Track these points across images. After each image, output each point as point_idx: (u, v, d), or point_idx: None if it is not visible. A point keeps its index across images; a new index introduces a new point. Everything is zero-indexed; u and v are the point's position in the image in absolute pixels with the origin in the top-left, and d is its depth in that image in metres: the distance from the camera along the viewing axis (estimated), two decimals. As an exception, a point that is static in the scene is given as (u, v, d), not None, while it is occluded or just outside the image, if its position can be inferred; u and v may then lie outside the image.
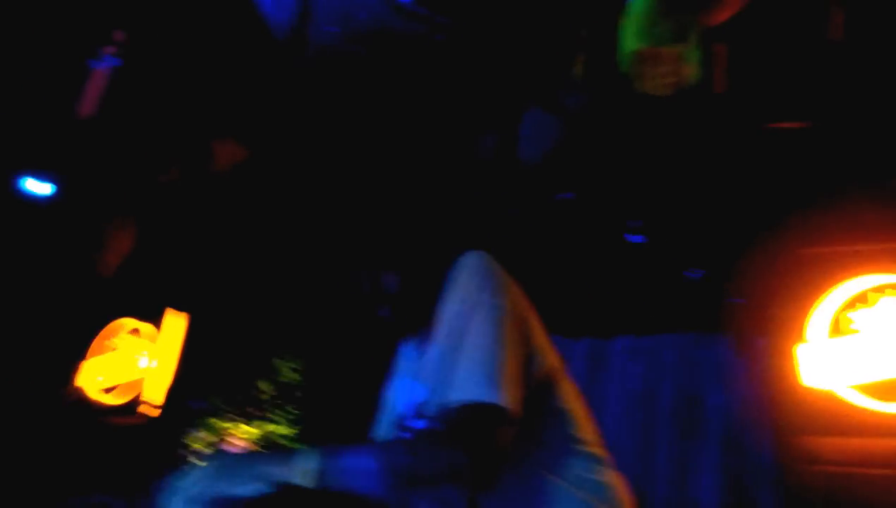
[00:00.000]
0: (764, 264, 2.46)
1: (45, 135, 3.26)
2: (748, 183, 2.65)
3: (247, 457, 1.29)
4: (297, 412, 3.82)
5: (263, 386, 3.91)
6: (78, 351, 3.40)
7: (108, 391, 3.39)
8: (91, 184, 3.86)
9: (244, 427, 3.80)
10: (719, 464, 2.79)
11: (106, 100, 3.06)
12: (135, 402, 3.30)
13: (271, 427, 3.87)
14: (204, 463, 1.10)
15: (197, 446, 3.62)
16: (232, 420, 3.75)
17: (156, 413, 3.39)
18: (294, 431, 3.83)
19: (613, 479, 1.25)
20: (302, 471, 1.06)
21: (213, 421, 3.70)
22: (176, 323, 3.52)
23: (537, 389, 1.23)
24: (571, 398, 1.30)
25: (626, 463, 2.51)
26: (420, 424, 1.27)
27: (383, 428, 1.45)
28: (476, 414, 1.12)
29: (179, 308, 3.59)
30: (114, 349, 3.43)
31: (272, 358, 4.00)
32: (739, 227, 2.70)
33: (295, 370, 4.03)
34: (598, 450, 1.26)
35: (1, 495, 2.96)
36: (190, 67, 3.27)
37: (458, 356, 1.18)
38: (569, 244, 3.15)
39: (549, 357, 1.29)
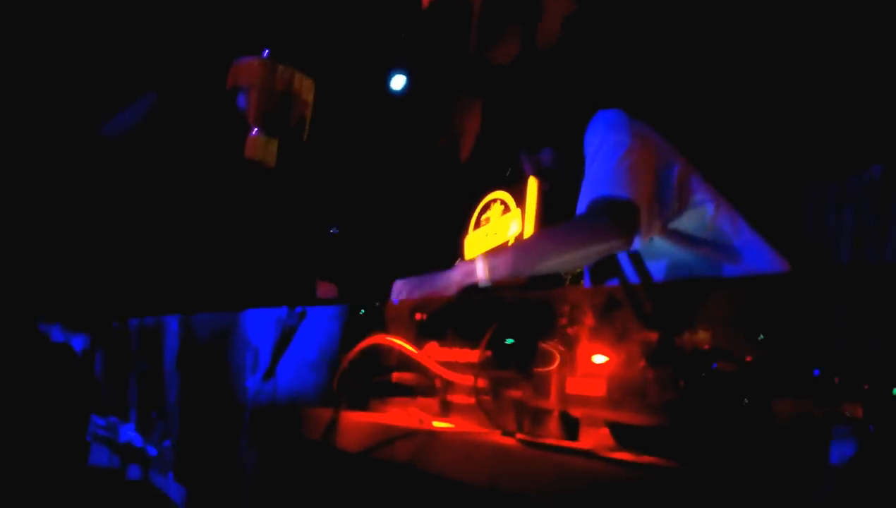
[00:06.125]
0: None
1: (399, 26, 3.50)
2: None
3: None
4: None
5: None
6: (460, 228, 3.75)
7: (486, 258, 3.72)
8: (437, 71, 4.10)
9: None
10: None
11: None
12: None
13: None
14: None
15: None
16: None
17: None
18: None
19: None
20: None
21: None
22: (534, 190, 3.66)
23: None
24: None
25: None
26: None
27: None
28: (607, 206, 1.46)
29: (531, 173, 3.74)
30: (488, 222, 3.71)
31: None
32: None
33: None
34: None
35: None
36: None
37: (593, 170, 1.55)
38: None
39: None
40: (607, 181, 1.50)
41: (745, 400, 0.87)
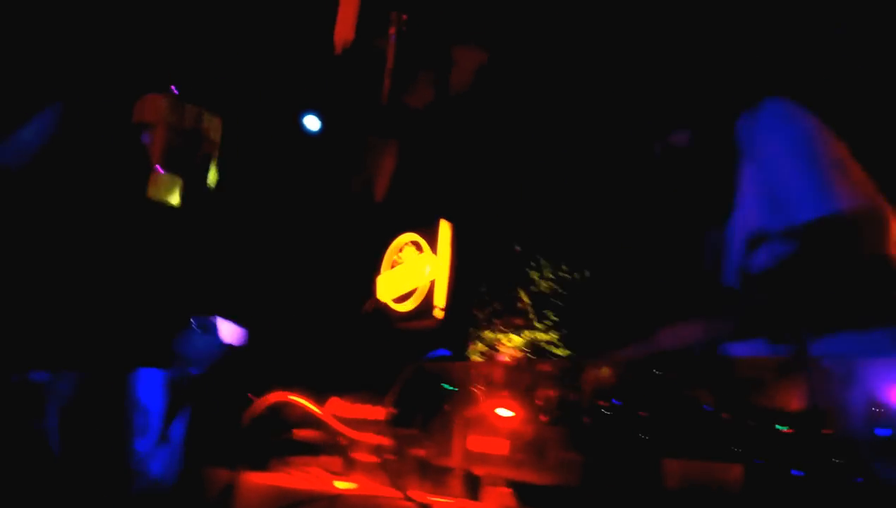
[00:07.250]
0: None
1: (311, 69, 3.49)
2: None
3: None
4: (556, 318, 3.86)
5: (523, 295, 4.01)
6: (372, 268, 3.73)
7: (400, 300, 3.71)
8: (352, 114, 4.12)
9: (512, 337, 3.93)
10: None
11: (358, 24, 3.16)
12: (423, 308, 3.57)
13: (535, 335, 3.95)
14: None
15: (474, 357, 3.82)
16: (500, 330, 3.91)
17: (441, 315, 3.66)
18: (556, 337, 3.89)
19: None
20: None
21: (484, 332, 3.88)
22: (446, 232, 3.71)
23: None
24: None
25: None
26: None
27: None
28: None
29: (446, 217, 3.78)
30: (401, 262, 3.71)
31: (526, 267, 4.06)
32: None
33: (550, 278, 4.05)
34: None
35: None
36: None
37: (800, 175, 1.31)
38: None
39: None
40: None
41: (638, 458, 0.90)
